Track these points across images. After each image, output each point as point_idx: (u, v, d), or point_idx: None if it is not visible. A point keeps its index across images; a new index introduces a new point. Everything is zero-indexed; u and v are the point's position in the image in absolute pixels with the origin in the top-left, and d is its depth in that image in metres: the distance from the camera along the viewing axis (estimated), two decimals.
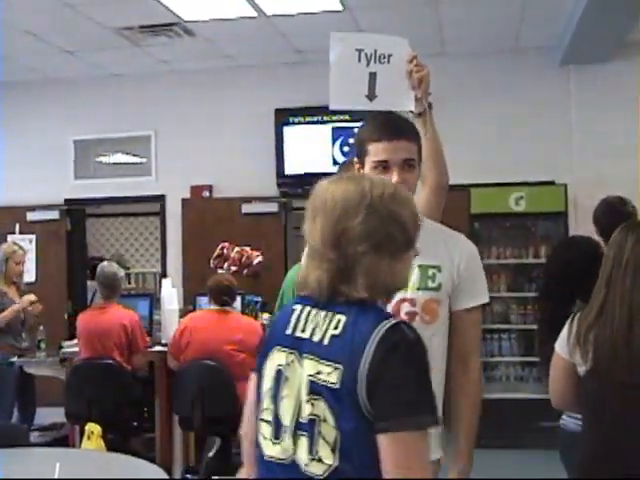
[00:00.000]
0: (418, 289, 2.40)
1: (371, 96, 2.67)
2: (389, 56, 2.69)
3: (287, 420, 1.82)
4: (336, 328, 1.78)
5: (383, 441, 1.69)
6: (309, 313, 1.86)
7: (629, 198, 4.86)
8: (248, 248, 6.97)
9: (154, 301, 6.90)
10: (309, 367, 1.79)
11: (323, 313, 1.83)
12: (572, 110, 7.76)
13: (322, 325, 1.81)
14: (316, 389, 1.76)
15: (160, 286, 7.02)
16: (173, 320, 6.34)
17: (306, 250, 1.93)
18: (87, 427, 5.07)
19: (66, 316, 8.34)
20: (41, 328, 6.86)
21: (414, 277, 2.37)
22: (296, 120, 8.04)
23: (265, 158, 8.07)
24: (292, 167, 7.96)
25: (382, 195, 1.82)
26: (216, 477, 5.19)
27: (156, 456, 6.07)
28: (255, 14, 6.58)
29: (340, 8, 6.49)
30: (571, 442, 3.05)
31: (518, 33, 7.38)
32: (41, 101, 8.65)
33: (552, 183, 7.55)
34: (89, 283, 8.98)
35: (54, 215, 8.56)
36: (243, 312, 6.21)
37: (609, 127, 7.59)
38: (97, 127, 8.59)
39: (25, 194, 8.50)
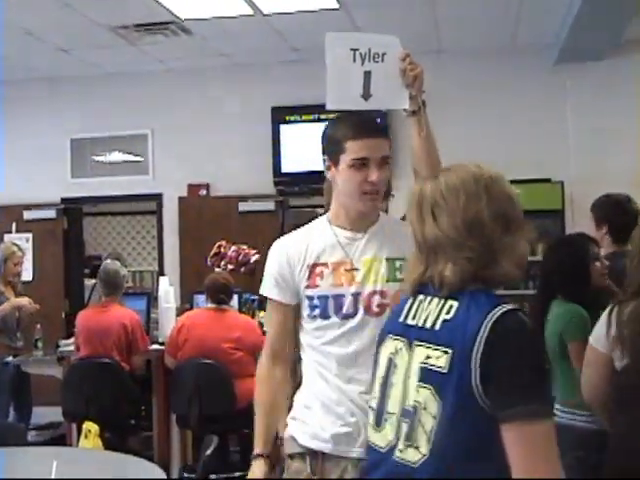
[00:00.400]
0: (387, 281, 2.45)
1: (366, 95, 2.69)
2: (383, 55, 2.70)
3: (393, 407, 1.84)
4: (448, 313, 1.78)
5: (505, 432, 1.66)
6: (421, 301, 1.88)
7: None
8: (245, 246, 6.97)
9: (151, 299, 6.90)
10: (420, 354, 1.80)
11: (436, 300, 1.84)
12: (568, 108, 7.76)
13: (434, 311, 1.82)
14: (426, 375, 1.76)
15: (157, 284, 7.03)
16: (170, 318, 6.34)
17: (415, 251, 1.94)
18: (84, 426, 5.08)
19: (63, 315, 8.34)
20: (38, 327, 6.85)
21: (383, 270, 2.44)
22: (293, 118, 8.05)
23: (262, 156, 8.08)
24: (289, 165, 7.97)
25: (491, 177, 1.89)
26: (214, 475, 5.21)
27: (154, 454, 6.08)
28: (252, 12, 6.58)
29: (336, 6, 6.49)
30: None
31: (514, 31, 7.38)
32: (38, 100, 8.64)
33: (548, 181, 7.56)
34: (86, 282, 8.97)
35: (51, 214, 8.56)
36: (240, 310, 6.21)
37: (605, 124, 7.61)
38: (94, 126, 8.59)
39: (22, 193, 8.49)
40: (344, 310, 2.43)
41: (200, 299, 6.23)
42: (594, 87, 7.71)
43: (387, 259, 2.46)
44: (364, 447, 2.28)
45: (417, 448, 1.74)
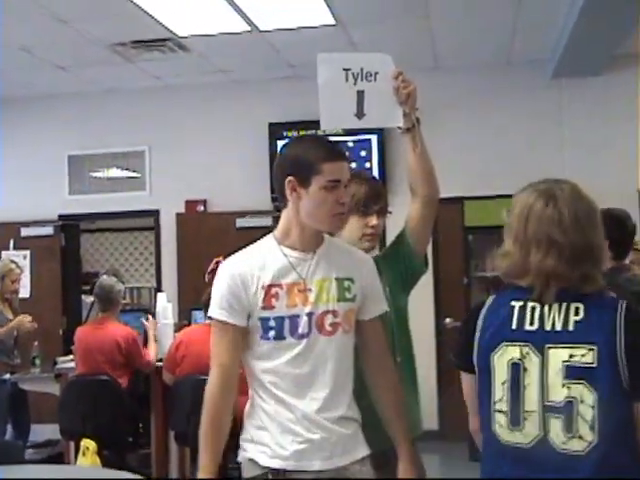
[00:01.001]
0: (338, 301, 2.48)
1: (360, 114, 2.72)
2: (375, 74, 2.74)
3: (531, 406, 2.01)
4: (577, 314, 1.99)
5: None
6: (533, 308, 2.06)
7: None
8: None
9: (149, 316, 6.89)
10: (559, 355, 1.99)
11: (556, 305, 2.04)
12: (564, 122, 7.80)
13: (560, 315, 2.02)
14: (574, 372, 1.96)
15: (155, 301, 7.01)
16: (168, 335, 6.33)
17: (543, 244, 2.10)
18: (82, 443, 5.05)
19: (61, 332, 8.32)
20: (36, 344, 6.84)
21: (333, 289, 2.48)
22: (290, 134, 8.05)
23: (259, 172, 8.08)
24: None
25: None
26: None
27: (152, 472, 6.06)
28: (249, 29, 6.60)
29: (333, 22, 6.51)
30: None
31: (510, 46, 7.41)
32: (35, 116, 8.66)
33: None
34: (84, 298, 8.96)
35: (48, 231, 8.56)
36: None
37: (601, 139, 7.63)
38: (91, 142, 8.60)
39: (19, 209, 8.50)
40: (299, 330, 2.44)
41: (198, 315, 6.21)
42: (590, 102, 7.75)
43: (336, 279, 2.50)
44: (325, 460, 2.40)
45: (581, 438, 1.95)
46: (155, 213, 8.62)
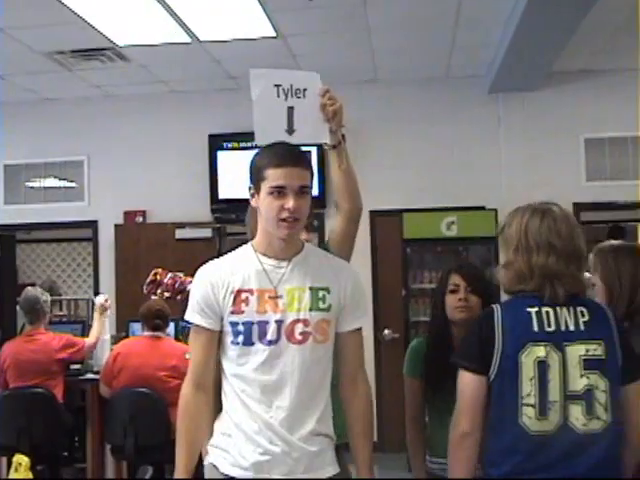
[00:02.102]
0: (310, 310, 2.49)
1: (290, 130, 2.77)
2: (304, 90, 2.80)
3: (554, 397, 2.36)
4: (583, 316, 2.42)
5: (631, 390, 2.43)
6: (548, 312, 2.42)
7: None
8: (181, 274, 6.90)
9: (86, 328, 6.79)
10: (577, 350, 2.39)
11: (565, 309, 2.43)
12: (501, 136, 7.94)
13: (570, 318, 2.42)
14: (590, 364, 2.38)
15: (92, 313, 6.92)
16: (105, 347, 6.25)
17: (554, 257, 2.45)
18: (14, 459, 4.97)
19: None
20: None
21: (306, 298, 2.49)
22: (230, 145, 8.06)
23: (199, 183, 8.07)
24: (226, 192, 7.96)
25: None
26: None
27: None
28: (189, 40, 6.59)
29: (274, 34, 6.54)
30: None
31: (449, 61, 7.53)
32: None
33: (483, 208, 7.70)
34: (19, 310, 8.79)
35: None
36: (177, 338, 6.15)
37: (536, 153, 7.80)
38: (28, 151, 8.48)
39: None
40: (268, 337, 2.45)
41: (136, 327, 6.16)
42: (526, 116, 7.91)
43: (310, 288, 2.51)
44: (284, 475, 2.40)
45: (598, 418, 2.36)
46: (93, 224, 8.51)
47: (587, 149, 7.88)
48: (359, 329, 2.63)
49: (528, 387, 2.37)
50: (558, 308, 2.43)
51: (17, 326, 8.48)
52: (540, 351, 2.38)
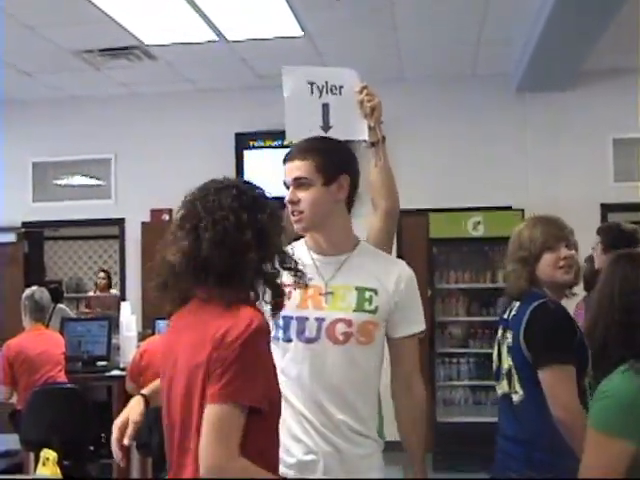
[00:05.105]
0: (355, 311, 2.43)
1: (326, 127, 2.75)
2: (340, 87, 2.77)
3: (503, 370, 2.90)
4: (513, 309, 2.94)
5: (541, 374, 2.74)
6: (512, 305, 2.98)
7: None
8: None
9: (112, 325, 6.84)
10: (508, 336, 2.89)
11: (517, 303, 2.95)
12: (527, 136, 7.89)
13: (513, 309, 2.93)
14: (509, 349, 2.87)
15: (119, 310, 6.96)
16: (131, 344, 6.30)
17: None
18: (42, 453, 5.00)
19: None
20: None
21: (351, 298, 2.43)
22: (256, 144, 8.07)
23: None
24: None
25: None
26: None
27: None
28: (216, 39, 6.61)
29: (300, 34, 6.54)
30: None
31: (476, 59, 7.49)
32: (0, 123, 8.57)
33: (509, 208, 7.65)
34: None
35: (11, 238, 8.47)
36: None
37: (563, 153, 7.74)
38: (56, 149, 8.54)
39: None
40: (307, 334, 2.41)
41: (162, 325, 6.18)
42: (553, 116, 7.84)
43: (357, 288, 2.45)
44: (328, 475, 2.34)
45: (516, 392, 2.83)
46: (120, 221, 8.57)
47: (615, 149, 7.81)
48: (414, 335, 2.54)
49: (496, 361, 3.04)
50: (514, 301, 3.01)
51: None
52: (500, 333, 3.02)
